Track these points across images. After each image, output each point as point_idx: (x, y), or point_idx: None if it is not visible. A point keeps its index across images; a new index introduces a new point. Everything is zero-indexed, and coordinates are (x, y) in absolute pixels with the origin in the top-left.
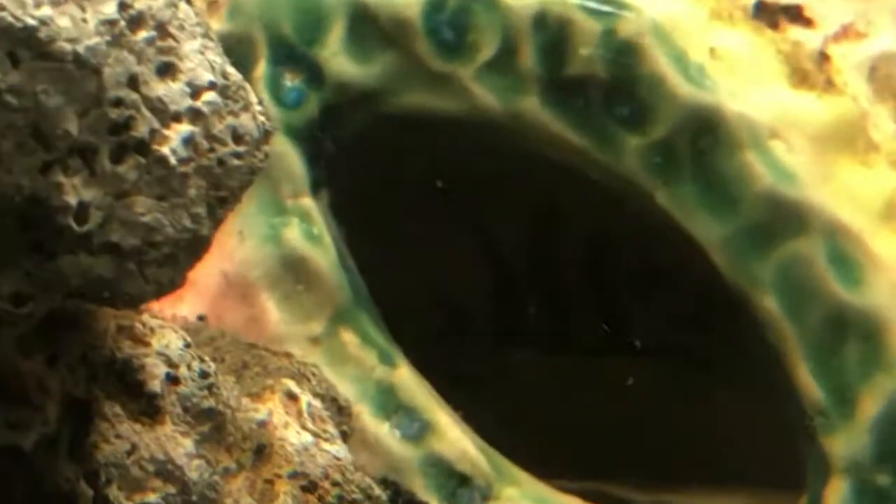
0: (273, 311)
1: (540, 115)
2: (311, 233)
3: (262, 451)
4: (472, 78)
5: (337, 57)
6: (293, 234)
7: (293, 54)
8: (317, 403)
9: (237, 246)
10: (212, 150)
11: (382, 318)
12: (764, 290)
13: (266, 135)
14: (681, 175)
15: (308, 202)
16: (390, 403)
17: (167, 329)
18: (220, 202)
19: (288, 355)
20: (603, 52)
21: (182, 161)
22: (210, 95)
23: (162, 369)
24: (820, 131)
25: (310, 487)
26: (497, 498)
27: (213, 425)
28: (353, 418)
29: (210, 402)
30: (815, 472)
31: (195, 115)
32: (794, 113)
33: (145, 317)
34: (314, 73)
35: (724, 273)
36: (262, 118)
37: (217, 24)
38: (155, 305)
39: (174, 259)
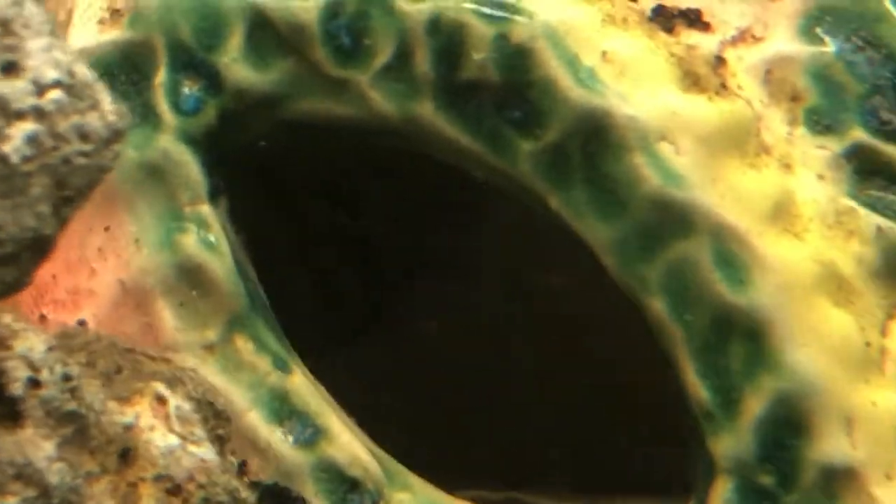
0: (168, 318)
1: (434, 119)
2: (207, 240)
3: (126, 455)
4: (369, 83)
5: (235, 63)
6: (189, 241)
7: (192, 61)
8: (186, 406)
9: (134, 254)
10: (56, 148)
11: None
12: (652, 292)
13: (117, 134)
14: (572, 178)
15: (205, 209)
16: (283, 409)
17: (30, 332)
18: (65, 201)
19: (166, 360)
20: (496, 57)
21: (25, 159)
22: (55, 94)
23: (23, 372)
24: (709, 134)
25: (174, 490)
26: (388, 503)
27: (75, 428)
28: (230, 422)
29: (73, 406)
30: (703, 474)
31: (39, 114)
32: (684, 116)
33: (8, 319)
34: (213, 80)
35: (614, 275)
36: (113, 117)
37: (118, 33)
38: (51, 314)
39: (17, 258)
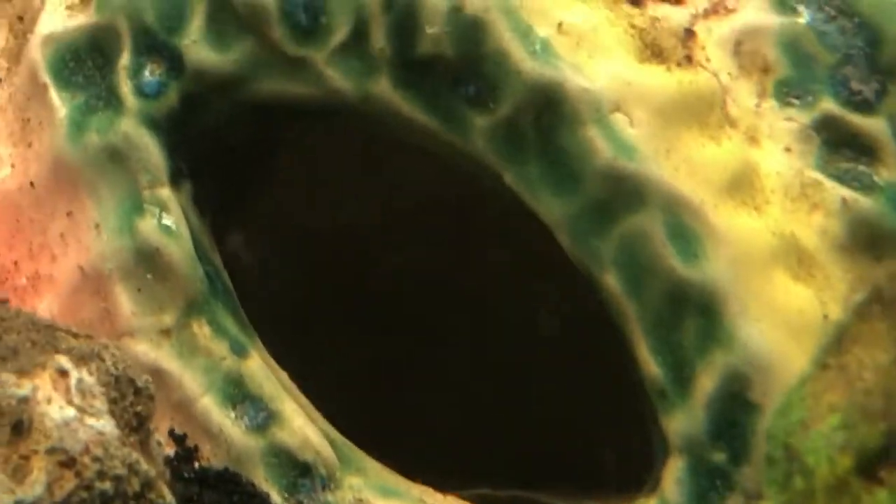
0: (125, 303)
1: (391, 97)
2: (166, 224)
3: (20, 427)
4: (326, 62)
5: (196, 45)
6: (148, 225)
7: (155, 44)
8: (90, 380)
9: (94, 239)
10: None
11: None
12: (605, 268)
13: None
14: (526, 153)
15: (166, 193)
16: (237, 394)
17: None
18: None
19: (88, 337)
20: (449, 30)
21: None
22: None
23: None
24: (665, 105)
25: (68, 462)
26: (339, 487)
27: None
28: (152, 400)
29: None
30: (658, 453)
31: None
32: (639, 87)
33: None
34: (175, 62)
35: (568, 252)
36: None
37: (85, 18)
38: (12, 301)
39: None
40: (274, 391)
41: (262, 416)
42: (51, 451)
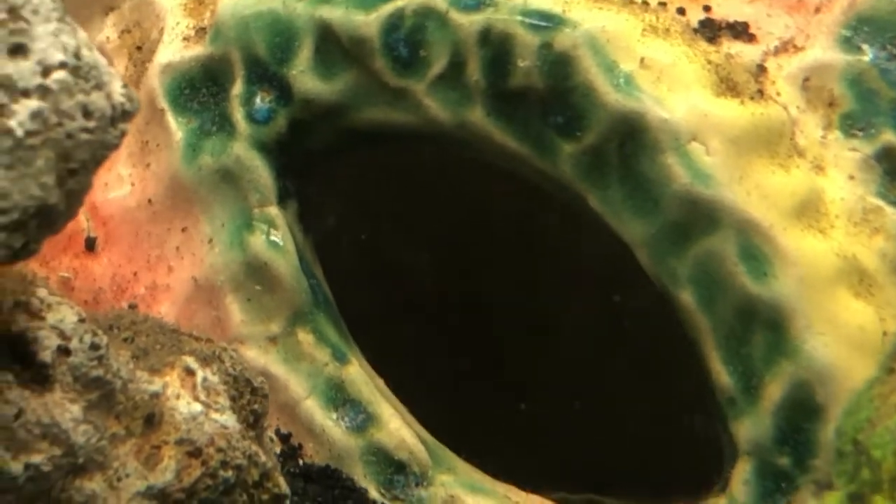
0: (236, 312)
1: (484, 125)
2: (273, 240)
3: (151, 419)
4: (425, 92)
5: (304, 75)
6: (257, 240)
7: (266, 73)
8: (214, 378)
9: (207, 252)
10: (60, 124)
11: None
12: (681, 285)
13: (124, 114)
14: (609, 178)
15: (274, 211)
16: (339, 397)
17: (63, 305)
18: (71, 174)
19: (209, 341)
20: (540, 64)
21: (29, 133)
22: (60, 74)
23: (54, 341)
24: (739, 135)
25: (195, 452)
26: (431, 484)
27: (101, 394)
28: (267, 399)
29: (99, 372)
30: (728, 457)
31: (44, 92)
32: (715, 118)
33: (43, 293)
34: (283, 91)
35: (647, 270)
36: (120, 98)
37: (200, 49)
38: (142, 306)
39: (24, 225)
40: (372, 396)
41: (361, 418)
42: (179, 442)
